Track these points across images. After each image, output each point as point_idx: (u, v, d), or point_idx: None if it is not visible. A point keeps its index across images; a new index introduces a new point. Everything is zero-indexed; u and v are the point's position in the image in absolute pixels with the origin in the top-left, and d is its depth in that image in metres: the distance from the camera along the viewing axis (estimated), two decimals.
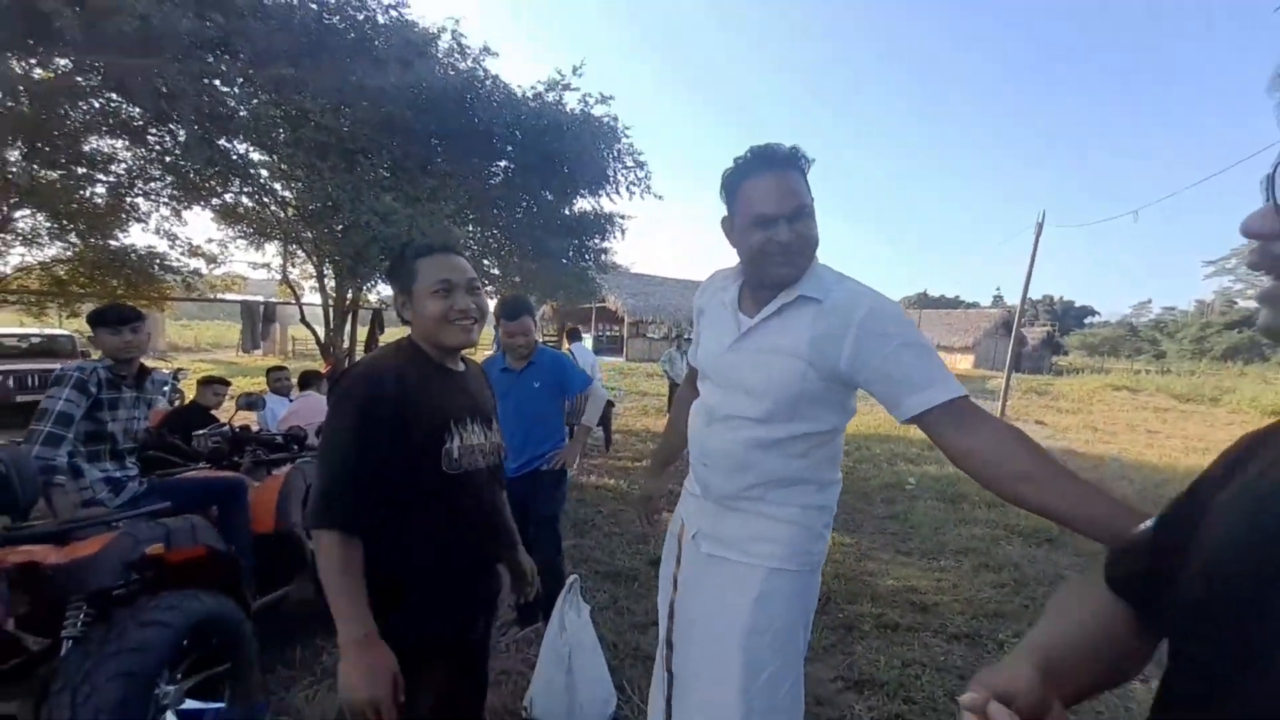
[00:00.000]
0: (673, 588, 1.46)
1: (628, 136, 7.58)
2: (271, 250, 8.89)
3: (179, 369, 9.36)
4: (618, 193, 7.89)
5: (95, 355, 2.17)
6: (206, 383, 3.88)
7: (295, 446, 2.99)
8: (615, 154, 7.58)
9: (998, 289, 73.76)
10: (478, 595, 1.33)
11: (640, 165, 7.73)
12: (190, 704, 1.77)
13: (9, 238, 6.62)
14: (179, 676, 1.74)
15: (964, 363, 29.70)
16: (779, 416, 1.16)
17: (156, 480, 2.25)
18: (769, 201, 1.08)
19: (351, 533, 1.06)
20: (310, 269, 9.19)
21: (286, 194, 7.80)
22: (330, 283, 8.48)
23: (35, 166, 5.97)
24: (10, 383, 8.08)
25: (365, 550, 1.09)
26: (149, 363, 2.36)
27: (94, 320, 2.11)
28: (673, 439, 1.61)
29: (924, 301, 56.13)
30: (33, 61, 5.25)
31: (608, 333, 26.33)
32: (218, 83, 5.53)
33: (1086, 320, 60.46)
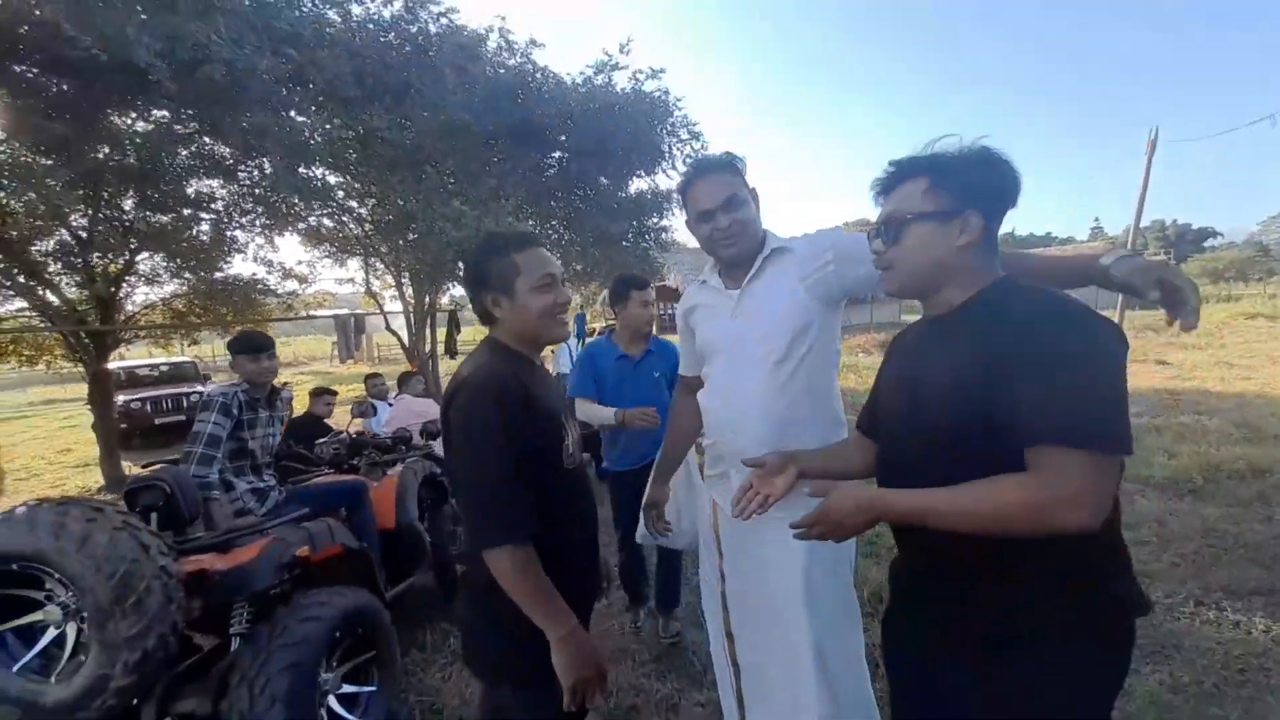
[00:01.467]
0: (719, 579, 1.52)
1: (680, 109, 7.40)
2: (354, 265, 9.47)
3: (284, 383, 10.25)
4: (674, 168, 7.74)
5: (233, 378, 2.37)
6: (318, 394, 4.20)
7: (403, 447, 3.18)
8: (669, 128, 7.43)
9: (1095, 220, 66.80)
10: (598, 581, 1.34)
11: (695, 137, 7.52)
12: (347, 688, 1.93)
13: (133, 279, 7.39)
14: (334, 665, 1.90)
15: None
16: (794, 352, 1.32)
17: (292, 488, 2.45)
18: (705, 199, 1.34)
19: (525, 543, 1.04)
20: (389, 279, 9.72)
21: (362, 211, 8.25)
22: (409, 290, 8.93)
23: (147, 212, 6.62)
24: (148, 408, 9.16)
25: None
26: None
27: (234, 348, 2.32)
28: (673, 450, 1.72)
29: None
30: (134, 115, 5.80)
31: (669, 311, 26.26)
32: (294, 114, 5.86)
33: (1207, 244, 53.62)
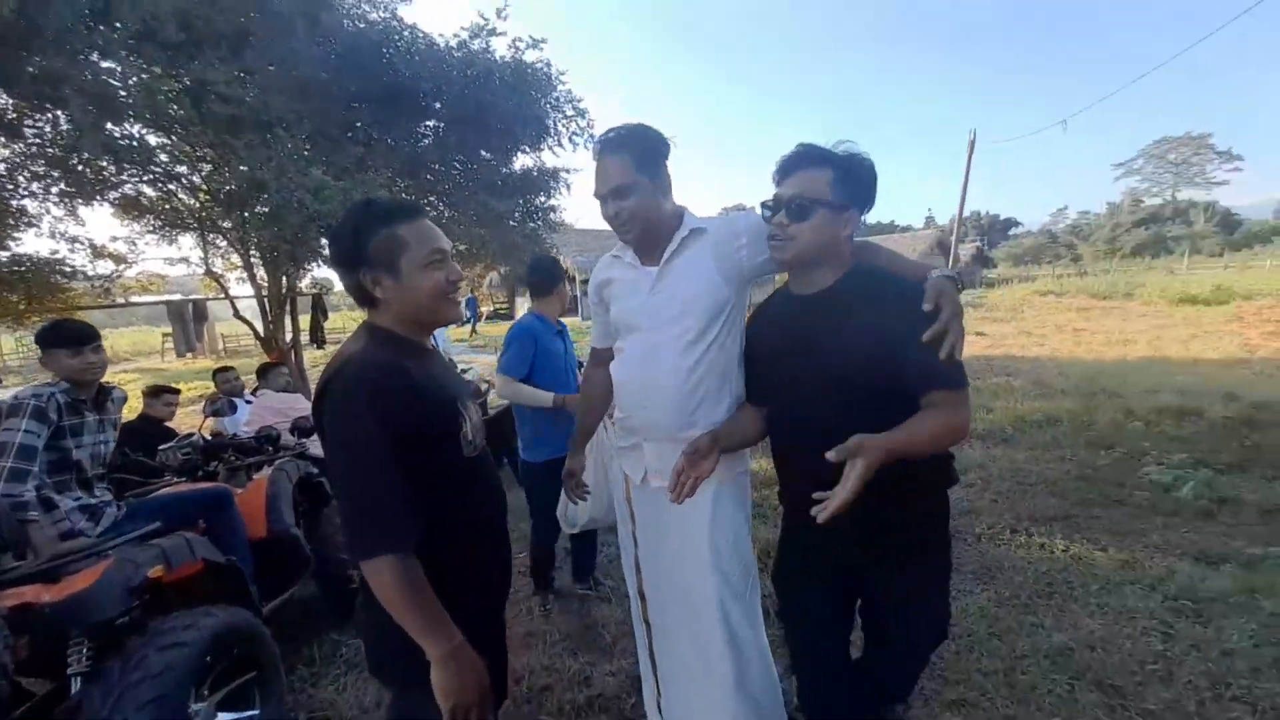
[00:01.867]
0: (633, 544, 1.61)
1: (564, 83, 7.22)
2: (188, 242, 8.15)
3: (108, 383, 8.66)
4: (559, 145, 7.56)
5: (45, 378, 1.97)
6: (155, 393, 3.61)
7: (270, 447, 2.86)
8: (553, 102, 7.22)
9: (929, 210, 76.28)
10: (504, 568, 1.31)
11: (581, 114, 7.39)
12: (225, 716, 1.73)
13: None
14: (206, 692, 1.70)
15: None
16: (708, 332, 1.36)
17: (135, 501, 2.11)
18: (599, 183, 1.35)
19: (404, 553, 0.96)
20: (235, 259, 8.51)
21: (195, 178, 7.11)
22: (260, 271, 7.90)
23: None
24: None
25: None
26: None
27: (47, 340, 1.90)
28: (588, 417, 1.77)
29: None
30: None
31: (574, 292, 25.97)
32: (100, 58, 4.88)
33: (1011, 232, 63.58)
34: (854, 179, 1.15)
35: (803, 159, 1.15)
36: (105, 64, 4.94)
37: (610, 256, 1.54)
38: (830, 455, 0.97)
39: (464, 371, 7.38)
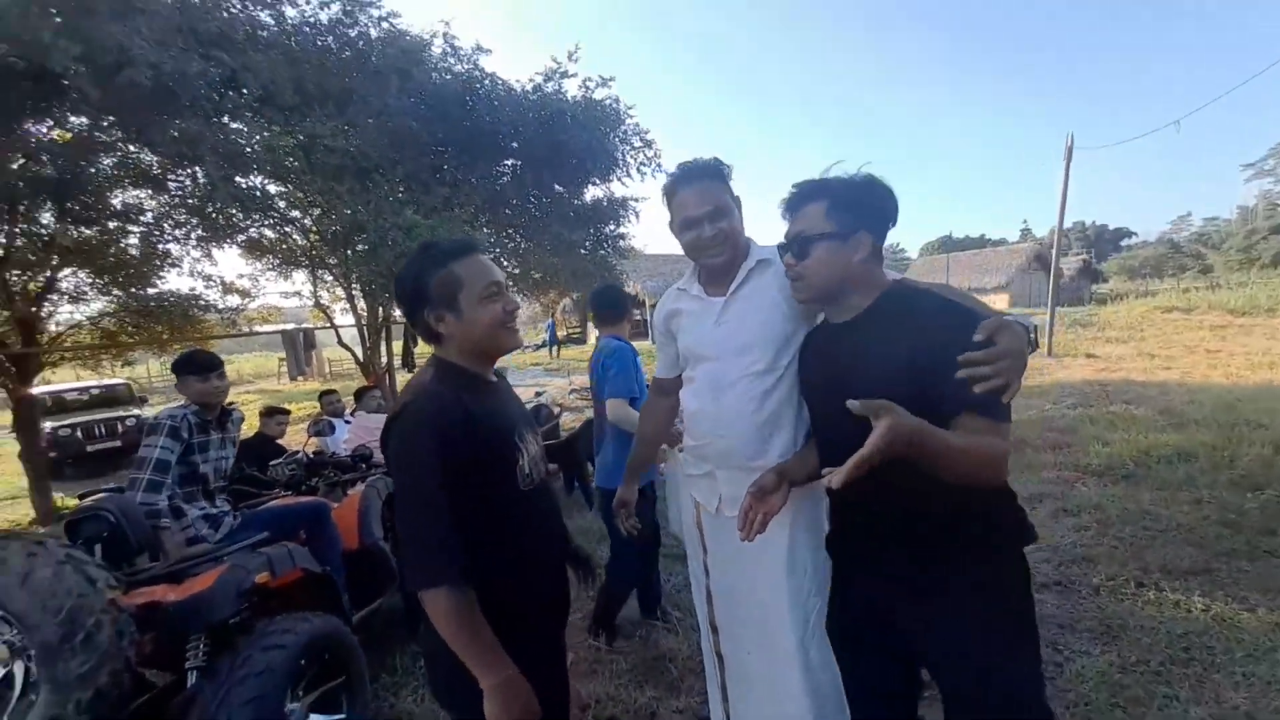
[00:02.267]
0: (704, 574, 1.57)
1: (632, 116, 7.47)
2: (300, 278, 9.07)
3: (231, 403, 9.72)
4: (628, 175, 7.80)
5: (175, 400, 2.25)
6: (269, 414, 4.00)
7: (364, 465, 3.07)
8: (621, 136, 7.48)
9: (1024, 222, 71.04)
10: (563, 603, 1.30)
11: (648, 144, 7.61)
12: (315, 718, 1.84)
13: (55, 298, 6.88)
14: (300, 694, 1.81)
15: (999, 302, 28.87)
16: (780, 361, 1.35)
17: (248, 512, 2.33)
18: (692, 208, 1.35)
19: (462, 584, 0.99)
20: (339, 291, 9.37)
21: (306, 221, 7.93)
22: (360, 302, 8.62)
23: (69, 226, 6.18)
24: (79, 434, 8.52)
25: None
26: None
27: (180, 368, 2.19)
28: (643, 451, 1.78)
29: (948, 244, 54.42)
30: (50, 123, 5.41)
31: (640, 317, 26.45)
32: (229, 120, 5.61)
33: (1123, 243, 57.81)
34: (853, 202, 1.11)
35: (797, 197, 1.14)
36: (234, 125, 5.66)
37: (676, 290, 1.57)
38: (852, 404, 0.89)
39: (538, 395, 7.64)
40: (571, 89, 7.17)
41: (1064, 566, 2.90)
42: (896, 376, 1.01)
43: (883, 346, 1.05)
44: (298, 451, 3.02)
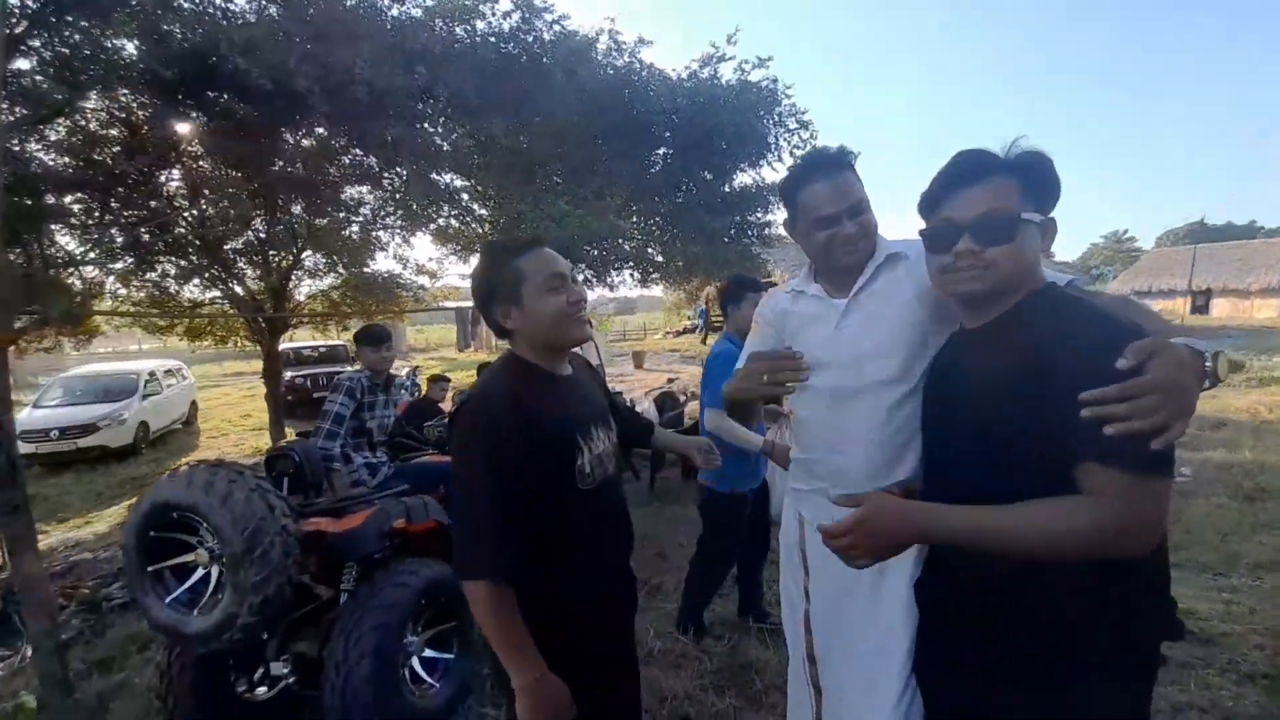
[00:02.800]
0: (804, 599, 1.42)
1: (789, 97, 7.15)
2: (475, 262, 10.27)
3: (415, 367, 11.39)
4: (779, 160, 7.51)
5: (357, 365, 2.73)
6: (435, 380, 4.66)
7: None
8: (776, 118, 7.21)
9: None
10: (627, 601, 1.29)
11: (804, 125, 7.24)
12: (429, 653, 2.13)
13: (300, 273, 8.63)
14: (420, 630, 2.11)
15: (1266, 309, 22.55)
16: (913, 370, 1.19)
17: (400, 464, 2.76)
18: (828, 204, 1.20)
19: (501, 581, 1.01)
20: None
21: (483, 212, 8.93)
22: None
23: (311, 217, 7.70)
24: (308, 383, 10.67)
25: (517, 585, 1.05)
26: (396, 363, 2.92)
27: (358, 339, 2.70)
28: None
29: (1202, 233, 43.48)
30: (301, 133, 6.75)
31: None
32: (426, 125, 6.49)
33: None
34: (1043, 182, 0.91)
35: (978, 167, 0.92)
36: (429, 129, 6.53)
37: (787, 294, 1.41)
38: (837, 498, 0.84)
39: (670, 381, 7.76)
40: (727, 73, 7.08)
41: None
42: (1011, 399, 0.83)
43: (1006, 361, 0.86)
44: (444, 416, 3.47)
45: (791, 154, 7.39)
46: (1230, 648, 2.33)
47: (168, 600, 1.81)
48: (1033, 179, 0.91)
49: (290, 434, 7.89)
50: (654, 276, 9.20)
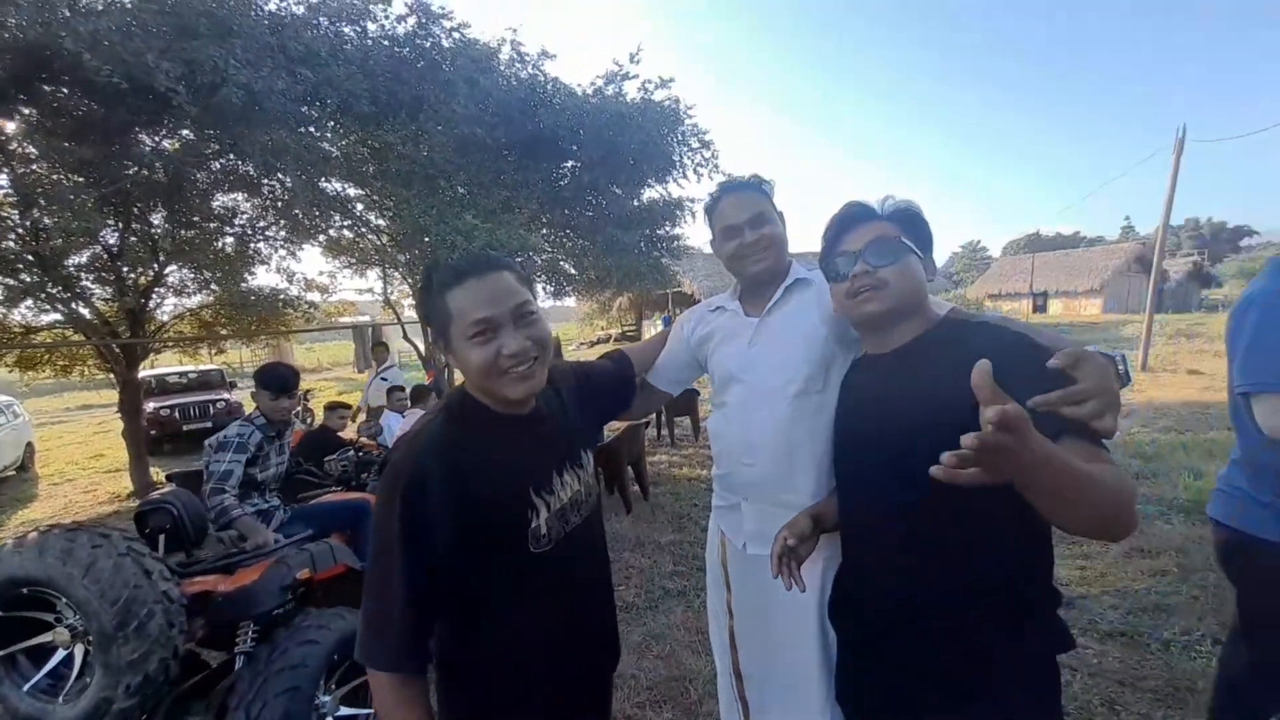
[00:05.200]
0: (727, 615, 1.47)
1: (691, 117, 7.42)
2: (373, 275, 9.67)
3: (307, 390, 10.49)
4: (684, 176, 7.77)
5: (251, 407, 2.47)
6: (331, 408, 4.29)
7: None
8: (679, 137, 7.45)
9: (1126, 219, 64.67)
10: (601, 661, 1.14)
11: (706, 145, 7.55)
12: (346, 710, 1.96)
13: (162, 291, 7.66)
14: (333, 686, 1.93)
15: (1091, 308, 26.55)
16: (814, 385, 1.28)
17: (297, 508, 2.52)
18: (732, 215, 1.33)
19: (410, 671, 0.87)
20: (408, 288, 9.91)
21: (380, 222, 8.43)
22: None
23: (175, 227, 6.87)
24: (177, 415, 9.46)
25: (450, 665, 0.95)
26: None
27: (260, 381, 2.41)
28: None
29: (1035, 243, 50.53)
30: (160, 135, 6.02)
31: None
32: (312, 130, 6.03)
33: (1243, 243, 51.74)
34: (918, 230, 1.05)
35: (866, 212, 1.06)
36: (315, 134, 6.07)
37: (709, 311, 1.49)
38: (967, 439, 0.64)
39: None
40: (631, 91, 7.21)
41: (1133, 615, 2.65)
42: (948, 411, 0.84)
43: (935, 377, 0.93)
44: (349, 449, 3.22)
45: (695, 171, 7.68)
46: (1088, 609, 2.71)
47: (25, 689, 1.53)
48: (909, 226, 1.05)
49: (157, 474, 6.95)
50: (567, 289, 9.15)
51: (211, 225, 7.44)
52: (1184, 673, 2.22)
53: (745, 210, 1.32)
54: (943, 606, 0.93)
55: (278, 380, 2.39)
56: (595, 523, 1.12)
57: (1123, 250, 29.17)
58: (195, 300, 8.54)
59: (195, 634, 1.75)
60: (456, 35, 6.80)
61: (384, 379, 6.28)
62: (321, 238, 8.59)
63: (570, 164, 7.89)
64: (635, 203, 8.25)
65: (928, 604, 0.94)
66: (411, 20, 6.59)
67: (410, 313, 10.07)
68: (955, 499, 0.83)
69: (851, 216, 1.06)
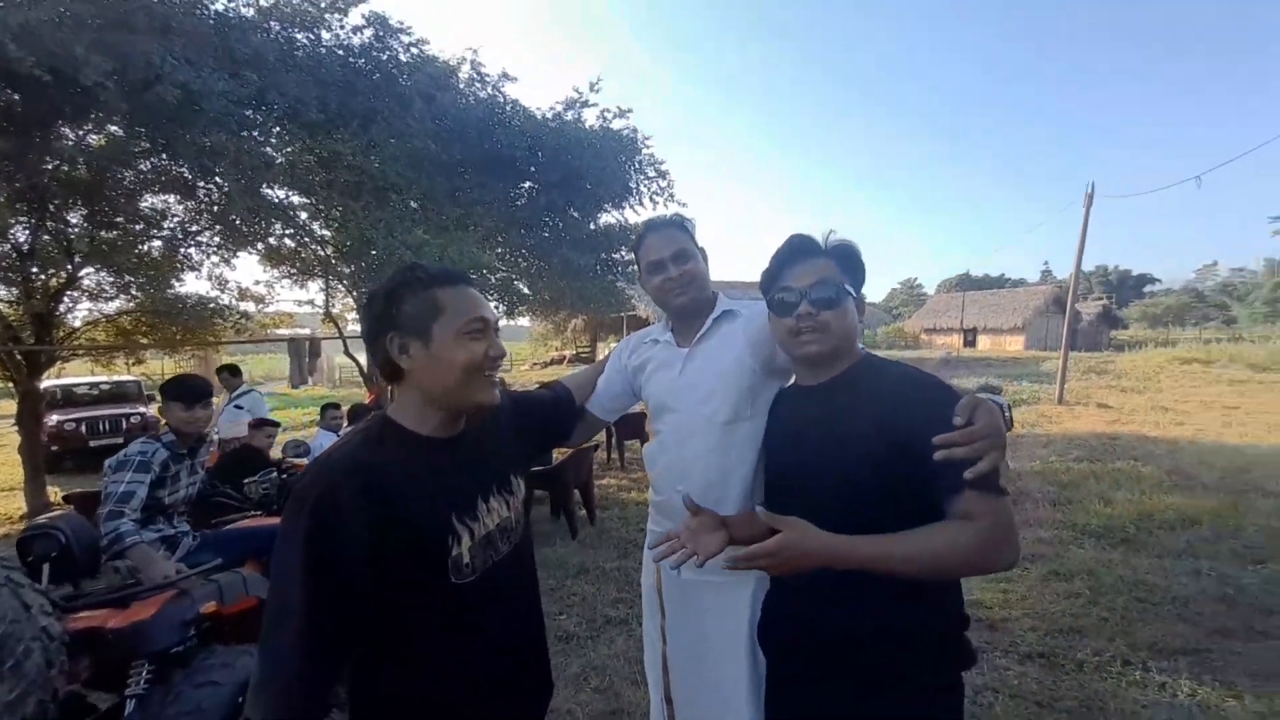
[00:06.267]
0: (661, 640, 1.49)
1: (648, 147, 7.59)
2: (314, 287, 9.27)
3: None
4: (641, 204, 7.91)
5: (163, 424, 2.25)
6: (258, 425, 4.03)
7: None
8: (636, 165, 7.60)
9: (1045, 263, 70.12)
10: (534, 693, 1.10)
11: (662, 175, 7.73)
12: None
13: (76, 294, 7.08)
14: None
15: (1014, 344, 28.37)
16: (742, 413, 1.32)
17: (208, 534, 2.32)
18: (656, 251, 1.40)
19: None
20: (352, 301, 9.54)
21: (325, 233, 8.12)
22: None
23: (94, 227, 6.39)
24: (83, 429, 8.68)
25: (361, 707, 0.89)
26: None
27: (166, 392, 2.20)
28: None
29: (966, 283, 54.04)
30: (85, 130, 5.64)
31: None
32: (256, 134, 5.79)
33: (1146, 289, 56.89)
34: (854, 267, 1.11)
35: (809, 248, 1.11)
36: (259, 139, 5.84)
37: (644, 341, 1.55)
38: (759, 512, 0.90)
39: None
40: (590, 118, 7.32)
41: (1050, 637, 2.78)
42: (872, 442, 0.97)
43: (860, 411, 1.01)
44: (272, 470, 3.03)
45: (652, 199, 7.83)
46: (1010, 631, 2.83)
47: None
48: (847, 262, 1.11)
49: (54, 494, 6.32)
50: (520, 309, 9.05)
51: (137, 227, 6.97)
52: (1095, 693, 2.35)
53: (669, 246, 1.38)
54: (854, 631, 0.98)
55: (189, 391, 2.17)
56: (525, 552, 1.09)
57: (1041, 292, 31.50)
58: (114, 306, 7.94)
59: (79, 674, 1.57)
60: (415, 51, 6.75)
61: (239, 407, 5.39)
62: (260, 245, 8.19)
63: (528, 185, 7.89)
64: (592, 226, 8.31)
65: (840, 629, 0.99)
66: (369, 32, 6.50)
67: (354, 327, 9.69)
68: (870, 529, 0.92)
69: (797, 250, 1.12)
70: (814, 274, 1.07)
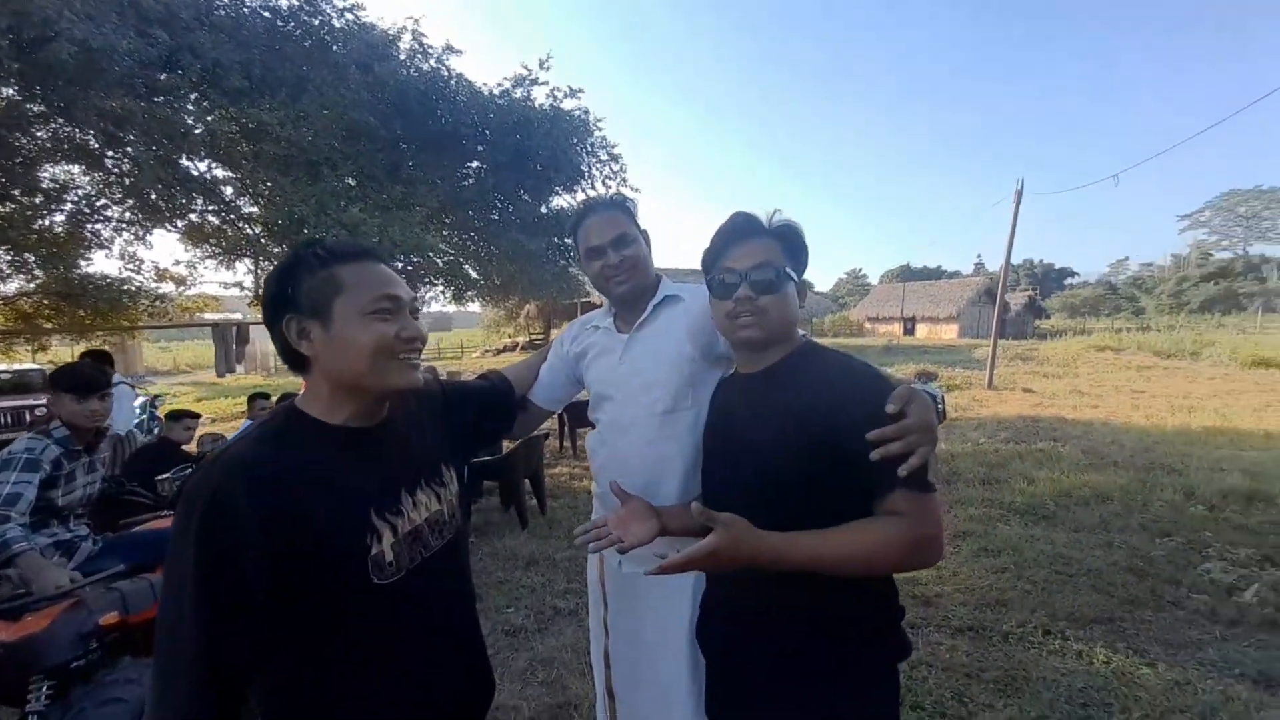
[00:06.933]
0: (604, 633, 1.46)
1: (600, 129, 7.45)
2: (242, 268, 8.67)
3: (155, 396, 9.14)
4: (593, 188, 7.77)
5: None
6: (176, 417, 3.73)
7: None
8: (588, 148, 7.45)
9: (978, 256, 74.31)
10: (472, 699, 1.03)
11: (615, 159, 7.61)
12: None
13: None
14: None
15: (949, 332, 29.86)
16: (682, 403, 1.29)
17: (113, 537, 2.12)
18: (596, 236, 1.32)
19: None
20: None
21: (252, 210, 7.58)
22: None
23: None
24: None
25: (278, 717, 0.83)
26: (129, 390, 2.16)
27: (56, 383, 1.95)
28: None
29: (906, 274, 56.54)
30: None
31: None
32: (169, 99, 5.31)
33: (1067, 282, 61.15)
34: (797, 250, 1.07)
35: (752, 227, 1.06)
36: (172, 105, 5.36)
37: (586, 328, 1.49)
38: (695, 508, 0.86)
39: None
40: (540, 97, 7.11)
41: (979, 610, 2.93)
42: (799, 432, 0.95)
43: (797, 401, 0.98)
44: (187, 466, 2.80)
45: (605, 183, 7.70)
46: (943, 606, 2.96)
47: None
48: (789, 244, 1.07)
49: None
50: (469, 294, 8.77)
51: (36, 200, 6.31)
52: (1019, 662, 2.49)
53: (609, 231, 1.32)
54: (788, 623, 0.97)
55: (81, 380, 1.95)
56: (460, 547, 1.03)
57: (974, 284, 33.26)
58: (12, 287, 7.20)
59: None
60: (350, 17, 6.37)
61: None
62: (180, 223, 7.59)
63: (475, 164, 7.62)
64: (543, 209, 8.12)
65: (775, 620, 0.98)
66: None
67: None
68: (804, 521, 0.90)
69: (739, 230, 1.07)
70: (756, 255, 1.04)
